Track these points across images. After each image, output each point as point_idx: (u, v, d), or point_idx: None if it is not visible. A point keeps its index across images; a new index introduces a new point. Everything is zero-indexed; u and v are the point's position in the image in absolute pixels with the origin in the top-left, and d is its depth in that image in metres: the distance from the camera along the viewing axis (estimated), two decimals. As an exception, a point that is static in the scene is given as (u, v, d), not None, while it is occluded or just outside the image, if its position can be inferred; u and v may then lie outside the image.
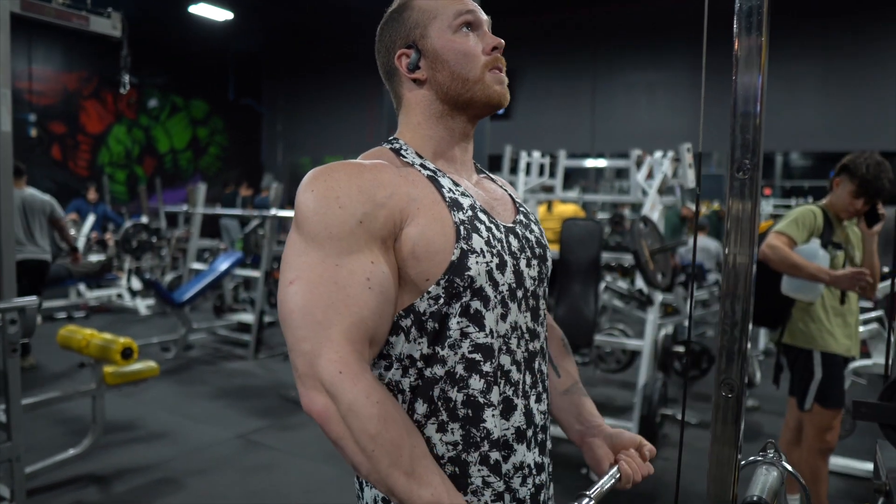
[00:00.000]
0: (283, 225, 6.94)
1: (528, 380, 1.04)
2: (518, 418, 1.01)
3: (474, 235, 0.96)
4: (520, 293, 1.02)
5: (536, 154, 4.66)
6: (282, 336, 6.24)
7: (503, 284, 0.99)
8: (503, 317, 0.99)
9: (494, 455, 0.98)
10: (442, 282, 0.94)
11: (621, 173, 11.81)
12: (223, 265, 5.99)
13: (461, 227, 0.96)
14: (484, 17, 1.07)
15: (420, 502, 0.85)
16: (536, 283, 1.08)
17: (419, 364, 0.96)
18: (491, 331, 0.97)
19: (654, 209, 3.99)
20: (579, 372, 1.33)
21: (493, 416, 0.98)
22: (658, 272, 3.72)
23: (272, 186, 5.91)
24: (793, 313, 2.73)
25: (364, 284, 0.89)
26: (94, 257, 7.46)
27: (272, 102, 14.87)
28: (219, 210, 7.26)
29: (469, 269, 0.94)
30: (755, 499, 0.97)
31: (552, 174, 4.70)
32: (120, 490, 3.19)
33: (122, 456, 3.57)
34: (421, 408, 0.96)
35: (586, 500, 0.94)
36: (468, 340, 0.96)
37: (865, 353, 3.69)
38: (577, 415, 1.18)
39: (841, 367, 2.73)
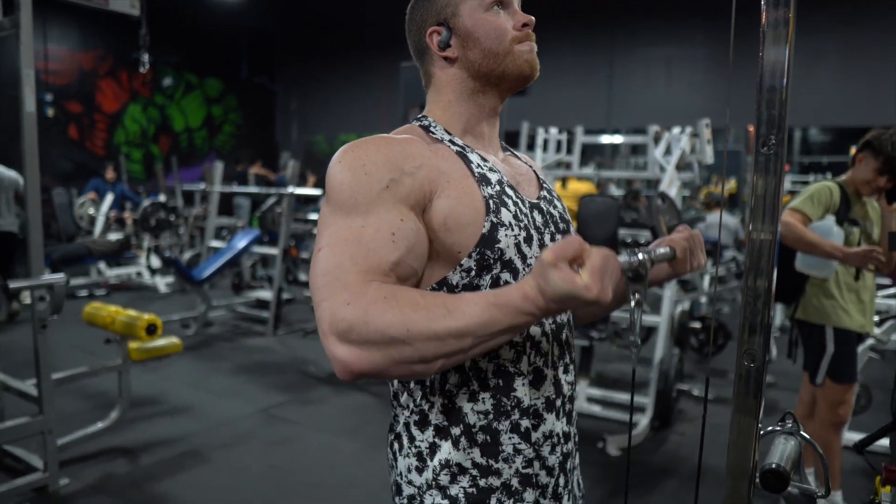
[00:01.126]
0: (300, 202, 6.98)
1: (556, 351, 1.06)
2: (548, 388, 1.04)
3: (503, 209, 0.99)
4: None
5: (553, 130, 4.65)
6: (299, 313, 6.34)
7: (530, 257, 1.01)
8: None
9: (525, 423, 1.01)
10: (474, 254, 0.96)
11: (637, 149, 11.71)
12: (241, 243, 6.05)
13: (490, 201, 0.98)
14: None
15: (477, 316, 0.81)
16: None
17: None
18: None
19: (671, 185, 3.98)
20: (596, 347, 1.35)
21: (522, 384, 1.01)
22: (675, 248, 3.72)
23: (289, 164, 5.94)
24: (807, 289, 2.73)
25: (388, 238, 0.89)
26: (113, 236, 7.55)
27: (286, 81, 14.84)
28: (235, 188, 7.31)
29: (499, 241, 0.97)
30: (774, 466, 0.99)
31: (569, 150, 4.69)
32: (147, 462, 3.27)
33: (148, 429, 3.66)
34: (453, 378, 0.99)
35: (642, 253, 0.95)
36: None
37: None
38: None
39: (854, 343, 2.74)
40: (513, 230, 0.99)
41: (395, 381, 1.07)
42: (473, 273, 0.97)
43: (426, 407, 1.02)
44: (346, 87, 13.77)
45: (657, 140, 4.34)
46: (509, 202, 1.01)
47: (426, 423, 1.02)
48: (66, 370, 3.21)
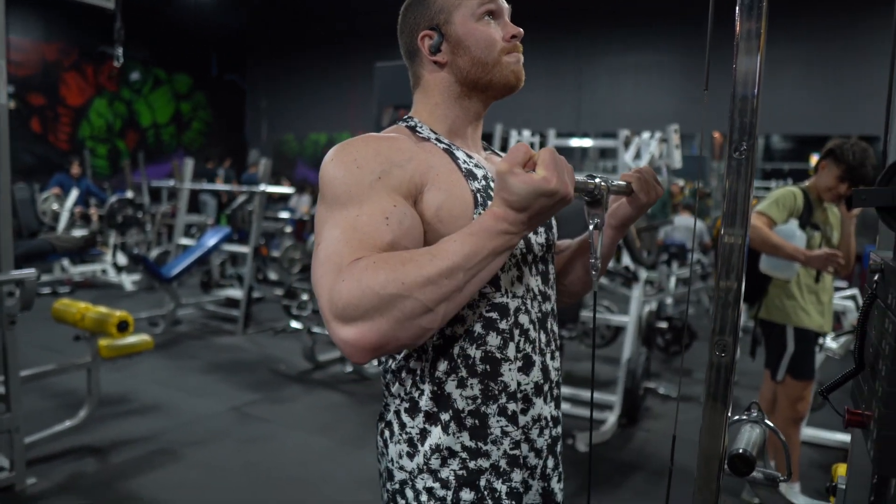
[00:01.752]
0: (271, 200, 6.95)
1: (543, 338, 1.12)
2: (536, 374, 1.09)
3: (489, 203, 1.03)
4: (529, 258, 1.10)
5: (526, 133, 4.72)
6: (269, 311, 6.31)
7: (517, 249, 1.06)
8: (518, 279, 1.07)
9: (512, 406, 1.06)
10: None
11: (605, 153, 11.91)
12: (211, 240, 6.00)
13: (478, 195, 1.03)
14: (505, 5, 1.12)
15: (461, 250, 0.88)
16: (544, 249, 1.16)
17: None
18: (506, 290, 1.05)
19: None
20: (566, 347, 1.40)
21: (509, 370, 1.05)
22: (644, 250, 3.82)
23: (261, 162, 5.92)
24: (769, 290, 2.84)
25: (381, 222, 0.93)
26: (78, 232, 7.42)
27: (256, 78, 14.73)
28: (206, 185, 7.24)
29: None
30: (741, 451, 1.06)
31: (541, 153, 4.78)
32: (117, 461, 3.25)
33: (118, 428, 3.62)
34: (442, 365, 1.04)
35: (597, 178, 1.02)
36: (485, 300, 1.04)
37: (839, 329, 3.83)
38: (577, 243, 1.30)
39: (813, 342, 2.85)
40: None
41: (388, 373, 1.11)
42: None
43: (416, 395, 1.06)
44: (316, 86, 13.72)
45: (627, 144, 4.44)
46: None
47: (416, 410, 1.06)
48: (34, 368, 3.17)
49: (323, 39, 13.48)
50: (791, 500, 1.30)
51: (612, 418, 3.81)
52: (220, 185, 7.84)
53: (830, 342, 3.27)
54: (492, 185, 1.07)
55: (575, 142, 7.21)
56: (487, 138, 4.99)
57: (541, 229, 1.15)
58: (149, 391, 4.23)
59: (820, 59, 9.56)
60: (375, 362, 4.90)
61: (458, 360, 1.04)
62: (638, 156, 4.43)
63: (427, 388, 1.05)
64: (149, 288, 7.39)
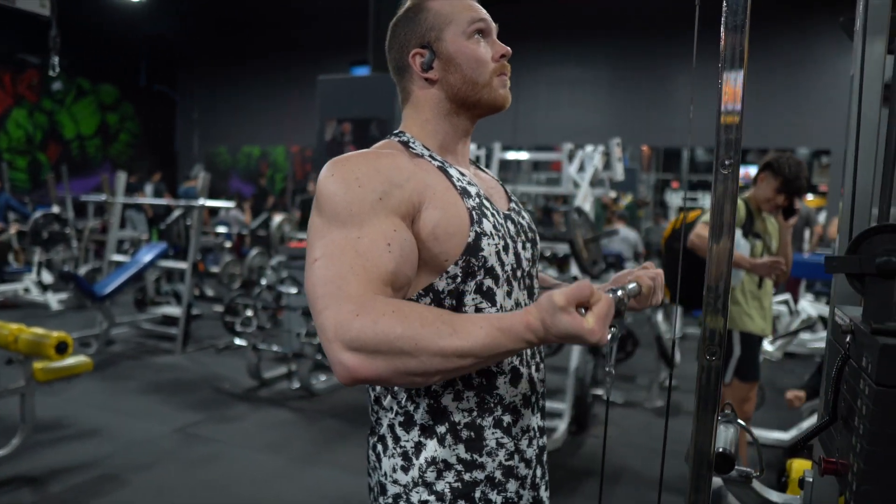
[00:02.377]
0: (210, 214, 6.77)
1: (529, 351, 1.14)
2: (524, 386, 1.11)
3: (484, 220, 1.05)
4: (519, 273, 1.12)
5: (472, 146, 4.79)
6: (208, 329, 6.13)
7: (507, 265, 1.09)
8: (509, 294, 1.09)
9: (507, 418, 1.08)
10: (460, 262, 1.02)
11: (538, 166, 12.17)
12: (147, 256, 5.80)
13: (473, 213, 1.04)
14: (493, 24, 1.15)
15: (482, 339, 0.86)
16: (531, 264, 1.18)
17: None
18: (500, 306, 1.07)
19: (585, 200, 4.19)
20: None
21: (504, 383, 1.07)
22: (591, 260, 3.93)
23: (200, 176, 5.77)
24: None
25: (384, 248, 0.94)
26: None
27: (187, 89, 14.35)
28: (141, 199, 6.99)
29: (483, 249, 1.03)
30: (721, 450, 1.11)
31: (487, 166, 4.85)
32: (57, 490, 3.08)
33: (55, 455, 3.44)
34: None
35: (620, 289, 0.99)
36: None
37: (774, 333, 4.03)
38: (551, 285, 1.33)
39: (757, 346, 2.99)
40: (494, 239, 1.06)
41: (378, 386, 1.11)
42: (459, 279, 1.03)
43: (411, 408, 1.06)
44: (251, 97, 13.48)
45: (571, 157, 4.56)
46: (488, 213, 1.08)
47: (411, 423, 1.06)
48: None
49: (258, 50, 13.27)
50: (764, 495, 1.37)
51: (562, 426, 3.88)
52: (154, 200, 7.57)
53: (768, 346, 3.44)
54: (485, 202, 1.09)
55: (511, 155, 7.35)
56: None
57: (528, 244, 1.17)
58: (86, 415, 4.03)
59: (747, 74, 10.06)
60: (323, 377, 4.84)
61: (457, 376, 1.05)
62: (581, 168, 4.55)
63: (423, 401, 1.06)
64: (78, 307, 7.05)
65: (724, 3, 0.96)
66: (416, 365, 0.86)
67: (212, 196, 10.03)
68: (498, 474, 1.07)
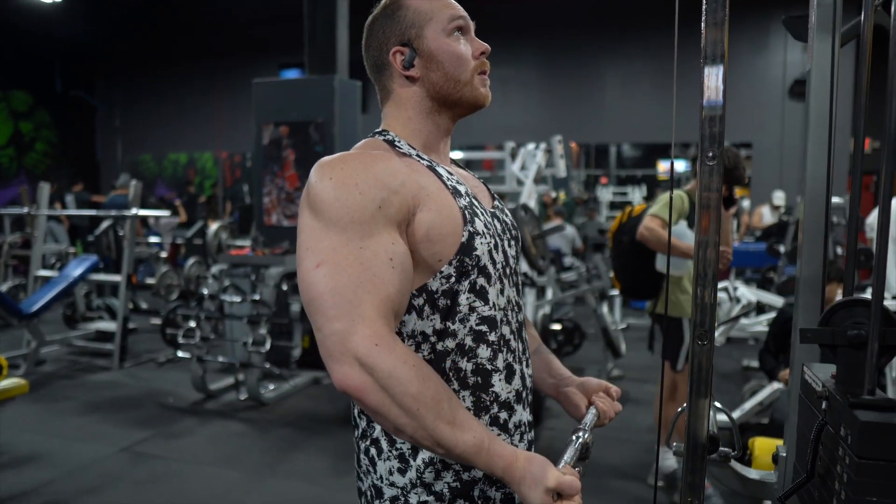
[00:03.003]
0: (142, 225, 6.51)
1: (521, 347, 1.16)
2: (517, 382, 1.12)
3: (475, 219, 1.06)
4: (507, 270, 1.14)
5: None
6: (146, 343, 5.90)
7: (498, 263, 1.09)
8: (501, 291, 1.10)
9: (503, 415, 1.09)
10: (454, 262, 1.02)
11: (470, 165, 12.28)
12: (76, 271, 5.53)
13: (465, 212, 1.05)
14: (471, 22, 1.16)
15: (465, 446, 0.91)
16: (516, 261, 1.20)
17: (432, 339, 1.04)
18: (494, 304, 1.07)
19: (530, 197, 4.26)
20: None
21: (499, 380, 1.08)
22: (539, 256, 4.00)
23: (131, 185, 5.54)
24: (664, 287, 3.08)
25: (388, 264, 0.95)
26: None
27: (108, 95, 13.76)
28: (69, 211, 6.65)
29: (476, 249, 1.04)
30: (711, 432, 1.15)
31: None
32: (-3, 520, 2.91)
33: (-8, 484, 3.25)
34: None
35: (581, 432, 1.08)
36: (475, 314, 1.06)
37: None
38: (548, 370, 1.31)
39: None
40: (485, 238, 1.06)
41: None
42: (453, 279, 1.03)
43: None
44: (176, 103, 13.06)
45: (514, 156, 4.62)
46: (478, 212, 1.09)
47: None
48: None
49: (182, 55, 12.85)
50: (742, 473, 1.43)
51: (518, 420, 3.93)
52: (83, 211, 7.23)
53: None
54: (474, 201, 1.10)
55: (464, 154, 7.40)
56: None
57: (512, 242, 1.19)
58: (22, 440, 3.82)
59: (667, 72, 10.44)
60: (272, 385, 4.74)
61: (451, 374, 1.05)
62: (524, 167, 4.62)
63: None
64: (2, 326, 6.65)
65: (704, 1, 1.00)
66: (404, 423, 0.90)
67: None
68: None
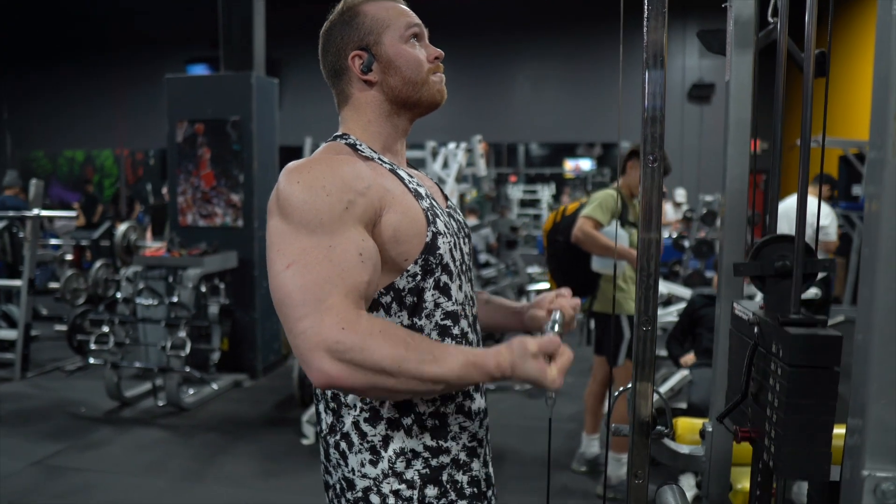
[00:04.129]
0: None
1: (476, 339, 1.22)
2: None
3: (437, 220, 1.12)
4: (464, 267, 1.20)
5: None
6: (49, 351, 5.58)
7: (457, 260, 1.16)
8: (460, 287, 1.17)
9: (467, 403, 1.15)
10: (419, 261, 1.08)
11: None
12: (-30, 276, 5.17)
13: (428, 213, 1.10)
14: (425, 29, 1.22)
15: (456, 371, 0.96)
16: (469, 257, 1.27)
17: None
18: (455, 299, 1.14)
19: (453, 195, 4.35)
20: None
21: None
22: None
23: (32, 183, 5.22)
24: (601, 285, 3.17)
25: (357, 258, 0.99)
26: None
27: (-6, 87, 12.82)
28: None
29: (439, 248, 1.10)
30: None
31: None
32: None
33: None
34: None
35: (556, 313, 1.19)
36: (440, 309, 1.12)
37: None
38: (507, 310, 1.39)
39: None
40: (447, 237, 1.13)
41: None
42: (419, 277, 1.09)
43: (377, 403, 1.10)
44: (72, 98, 12.33)
45: (435, 155, 4.70)
46: (438, 213, 1.15)
47: (378, 418, 1.10)
48: None
49: (80, 47, 12.14)
50: (674, 448, 1.56)
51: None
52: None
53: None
54: (434, 202, 1.16)
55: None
56: (299, 150, 4.98)
57: (465, 240, 1.25)
58: (-84, 459, 3.55)
59: (574, 75, 10.83)
60: (192, 390, 4.60)
61: None
62: (445, 165, 4.71)
63: None
64: None
65: (646, 8, 1.09)
66: (393, 384, 0.94)
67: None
68: (462, 456, 1.14)
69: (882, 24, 0.75)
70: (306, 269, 0.96)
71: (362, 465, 1.10)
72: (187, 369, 4.32)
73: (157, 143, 11.56)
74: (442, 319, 1.12)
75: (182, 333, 4.28)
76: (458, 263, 1.16)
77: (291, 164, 1.08)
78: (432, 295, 1.11)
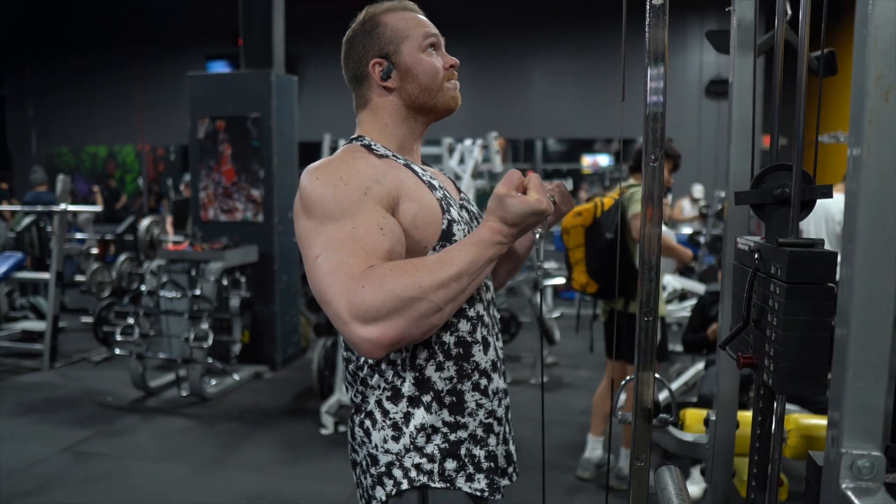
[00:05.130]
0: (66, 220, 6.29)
1: (491, 322, 1.30)
2: (492, 353, 1.26)
3: (451, 209, 1.20)
4: None
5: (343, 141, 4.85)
6: (76, 342, 5.73)
7: None
8: None
9: (483, 381, 1.23)
10: (437, 246, 1.16)
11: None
12: (1, 268, 5.33)
13: (442, 203, 1.19)
14: (442, 38, 1.29)
15: (466, 260, 1.06)
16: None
17: None
18: None
19: (469, 191, 4.41)
20: None
21: (479, 350, 1.22)
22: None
23: (59, 179, 5.37)
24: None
25: (378, 233, 1.07)
26: None
27: (19, 84, 13.05)
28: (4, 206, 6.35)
29: (455, 234, 1.18)
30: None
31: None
32: (-64, 524, 2.84)
33: (-75, 489, 3.14)
34: (422, 353, 1.17)
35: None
36: None
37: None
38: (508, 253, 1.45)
39: (665, 328, 3.20)
40: (461, 225, 1.21)
41: (363, 368, 1.21)
42: None
43: (398, 383, 1.18)
44: (95, 93, 12.53)
45: (451, 151, 4.76)
46: (452, 203, 1.23)
47: (399, 396, 1.18)
48: None
49: (102, 43, 12.33)
50: (678, 436, 1.62)
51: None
52: (9, 207, 6.90)
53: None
54: (446, 193, 1.24)
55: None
56: (317, 147, 5.04)
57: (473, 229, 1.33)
58: (-48, 444, 3.69)
59: (590, 71, 10.82)
60: (214, 381, 4.72)
61: (436, 347, 1.18)
62: (462, 161, 4.77)
63: (409, 375, 1.18)
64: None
65: (648, 7, 1.13)
66: (426, 306, 1.02)
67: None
68: (479, 431, 1.22)
69: (859, 35, 0.81)
70: (332, 253, 1.04)
71: (385, 441, 1.18)
72: (210, 360, 4.43)
73: (178, 139, 11.74)
74: None
75: (205, 325, 4.39)
76: None
77: (311, 165, 1.16)
78: None
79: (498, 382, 1.28)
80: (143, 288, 4.74)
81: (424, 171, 1.25)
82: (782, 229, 1.11)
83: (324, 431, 3.88)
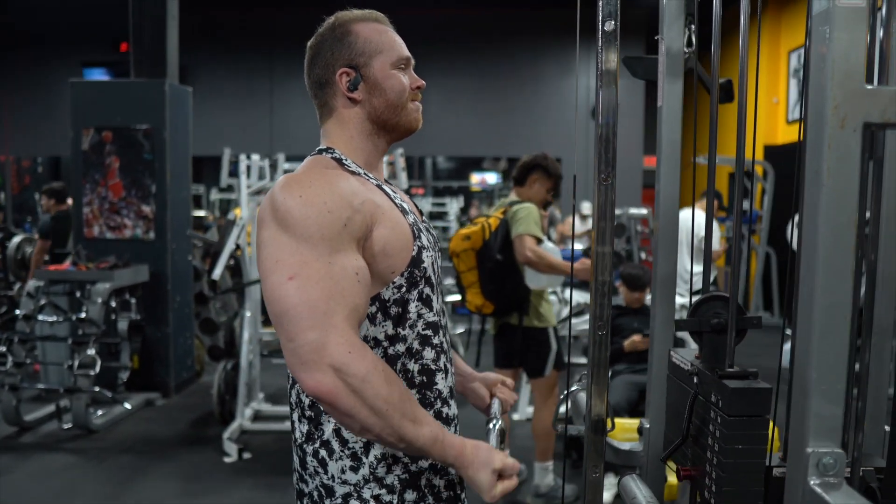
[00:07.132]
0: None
1: (448, 348, 1.29)
2: (450, 379, 1.25)
3: (422, 235, 1.19)
4: (439, 279, 1.27)
5: (256, 157, 4.69)
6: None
7: (437, 273, 1.23)
8: (437, 300, 1.23)
9: (445, 410, 1.21)
10: (405, 273, 1.14)
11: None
12: None
13: (413, 228, 1.17)
14: (412, 60, 1.28)
15: (424, 440, 1.04)
16: (441, 271, 1.34)
17: (384, 343, 1.14)
18: (436, 310, 1.21)
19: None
20: None
21: (441, 378, 1.21)
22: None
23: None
24: (531, 300, 3.15)
25: (354, 278, 1.05)
26: None
27: None
28: None
29: (423, 261, 1.17)
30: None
31: (272, 177, 4.78)
32: None
33: None
34: None
35: (496, 420, 1.29)
36: (422, 320, 1.18)
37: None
38: (455, 366, 1.44)
39: (559, 339, 3.30)
40: (430, 252, 1.20)
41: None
42: (404, 289, 1.15)
43: None
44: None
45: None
46: (422, 227, 1.22)
47: None
48: None
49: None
50: (615, 445, 1.67)
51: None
52: None
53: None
54: (416, 217, 1.22)
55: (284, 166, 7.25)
56: (213, 161, 4.84)
57: (439, 254, 1.32)
58: None
59: (483, 90, 11.11)
60: (101, 411, 4.38)
61: (400, 375, 1.15)
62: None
63: None
64: None
65: (599, 31, 1.18)
66: (373, 423, 1.00)
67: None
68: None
69: (816, 67, 0.88)
70: (309, 283, 1.01)
71: (343, 471, 1.13)
72: (96, 389, 4.11)
73: (49, 149, 10.89)
74: (423, 330, 1.18)
75: (91, 351, 4.07)
76: (437, 276, 1.22)
77: (289, 176, 1.11)
78: (416, 306, 1.16)
79: (453, 408, 1.27)
80: (18, 312, 4.33)
81: (395, 192, 1.23)
82: (719, 357, 1.19)
83: (227, 459, 3.69)
